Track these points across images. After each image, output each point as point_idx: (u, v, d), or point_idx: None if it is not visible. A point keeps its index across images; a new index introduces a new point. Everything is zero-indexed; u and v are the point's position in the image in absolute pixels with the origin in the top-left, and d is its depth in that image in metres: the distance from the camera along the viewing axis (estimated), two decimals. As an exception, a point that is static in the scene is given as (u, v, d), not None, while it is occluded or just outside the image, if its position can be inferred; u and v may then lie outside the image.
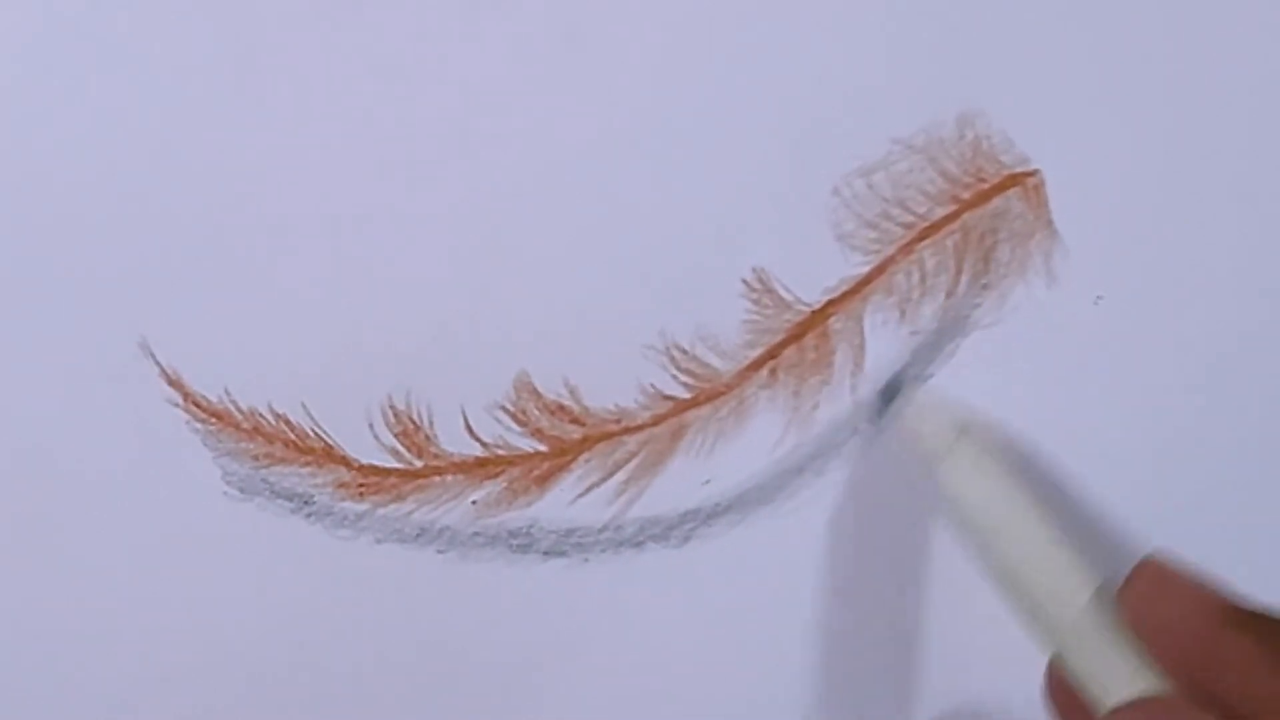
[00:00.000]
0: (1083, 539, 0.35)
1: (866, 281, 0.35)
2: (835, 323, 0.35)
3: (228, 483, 0.35)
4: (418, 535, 0.36)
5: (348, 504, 0.35)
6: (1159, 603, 0.32)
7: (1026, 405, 0.36)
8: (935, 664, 0.37)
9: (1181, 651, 0.31)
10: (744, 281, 0.35)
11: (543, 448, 0.35)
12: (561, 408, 0.35)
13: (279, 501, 0.35)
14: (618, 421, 0.35)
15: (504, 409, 0.35)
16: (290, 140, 0.33)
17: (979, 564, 0.34)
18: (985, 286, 0.35)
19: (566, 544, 0.36)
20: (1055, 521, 0.33)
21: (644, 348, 0.35)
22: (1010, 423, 0.36)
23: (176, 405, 0.34)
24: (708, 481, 0.36)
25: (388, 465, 0.35)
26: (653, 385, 0.35)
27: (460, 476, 0.35)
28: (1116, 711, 0.31)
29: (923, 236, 0.35)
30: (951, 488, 0.34)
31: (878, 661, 0.37)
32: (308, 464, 0.35)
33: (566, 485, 0.36)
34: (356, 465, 0.35)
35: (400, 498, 0.35)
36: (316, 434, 0.35)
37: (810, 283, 0.35)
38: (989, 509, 0.33)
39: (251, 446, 0.35)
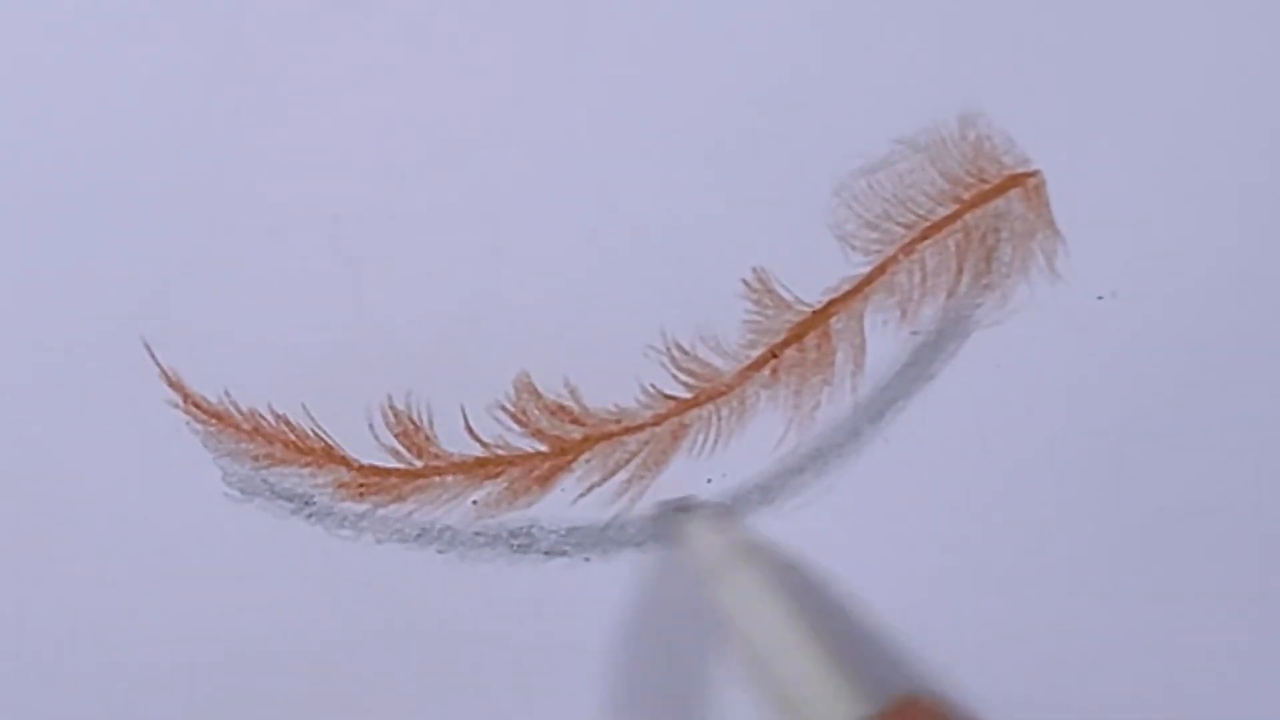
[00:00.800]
0: (860, 663, 0.36)
1: (868, 281, 0.35)
2: (836, 323, 0.35)
3: (228, 483, 0.35)
4: (418, 535, 0.36)
5: (348, 504, 0.35)
6: None
7: (1028, 405, 0.36)
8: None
9: None
10: (745, 281, 0.35)
11: (543, 448, 0.35)
12: (562, 408, 0.35)
13: (279, 502, 0.35)
14: (618, 421, 0.35)
15: (504, 409, 0.35)
16: (290, 140, 0.33)
17: (752, 686, 0.34)
18: (987, 286, 0.35)
19: (567, 544, 0.36)
20: (827, 648, 0.33)
21: (645, 348, 0.35)
22: (1012, 422, 0.36)
23: (176, 406, 0.34)
24: (710, 480, 0.36)
25: (388, 465, 0.35)
26: (653, 385, 0.35)
27: (460, 476, 0.35)
28: None
29: (924, 236, 0.35)
30: (729, 607, 0.34)
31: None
32: (308, 464, 0.35)
33: (567, 485, 0.36)
34: (356, 465, 0.35)
35: (400, 498, 0.35)
36: (316, 434, 0.35)
37: (811, 283, 0.35)
38: (763, 630, 0.34)
39: (252, 447, 0.35)
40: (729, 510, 0.36)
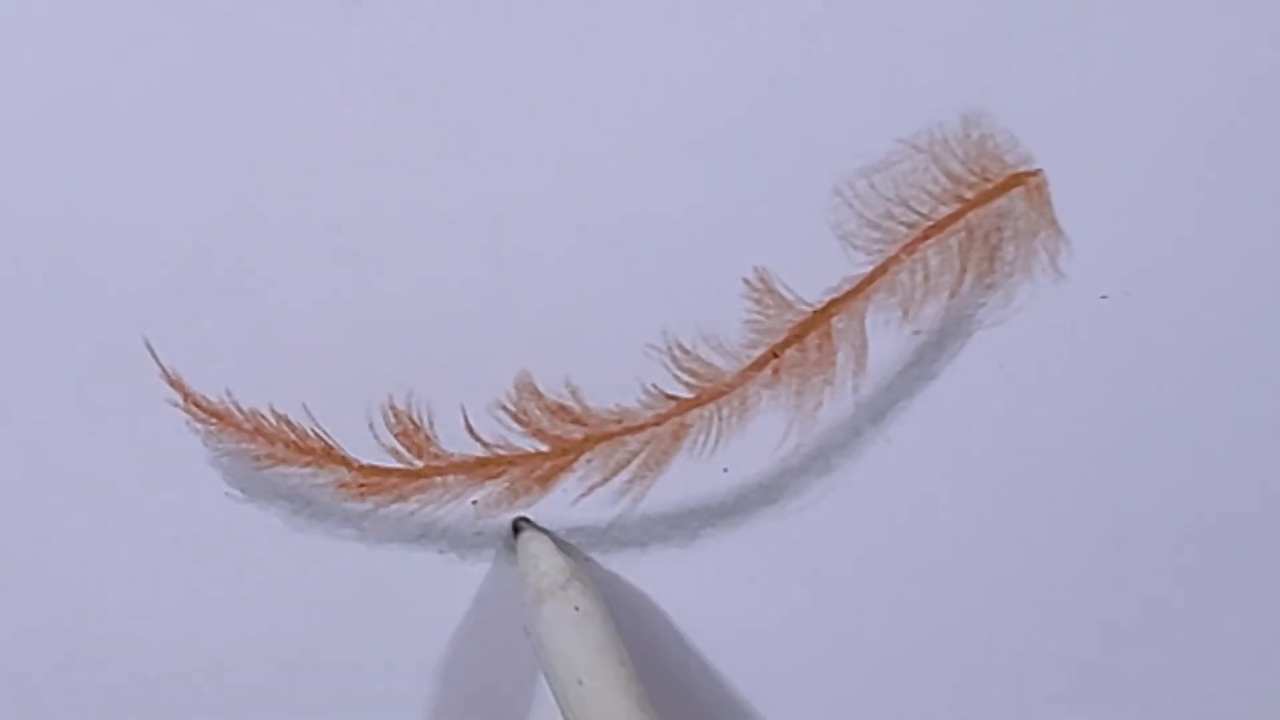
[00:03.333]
0: (669, 697, 0.35)
1: (869, 281, 0.35)
2: (838, 322, 0.35)
3: (229, 483, 0.35)
4: (418, 535, 0.36)
5: (348, 504, 0.35)
6: None
7: (1030, 405, 0.36)
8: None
9: None
10: (746, 281, 0.35)
11: (544, 448, 0.35)
12: (563, 407, 0.35)
13: (279, 502, 0.35)
14: (619, 421, 0.35)
15: (505, 409, 0.35)
16: (291, 141, 0.33)
17: (561, 710, 0.33)
18: (989, 286, 0.35)
19: (568, 544, 0.36)
20: (638, 685, 0.33)
21: (646, 347, 0.35)
22: (1014, 422, 0.36)
23: (177, 405, 0.34)
24: (726, 470, 0.36)
25: (388, 465, 0.35)
26: (654, 385, 0.35)
27: (461, 476, 0.35)
28: None
29: (926, 236, 0.35)
30: (541, 634, 0.33)
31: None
32: (308, 464, 0.35)
33: (568, 485, 0.36)
34: (357, 465, 0.35)
35: (401, 498, 0.35)
36: (317, 434, 0.35)
37: (812, 282, 0.35)
38: (575, 660, 0.33)
39: (252, 447, 0.35)
40: (563, 540, 0.35)
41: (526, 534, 0.35)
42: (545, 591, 0.34)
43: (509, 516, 0.36)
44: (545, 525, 0.36)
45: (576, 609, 0.33)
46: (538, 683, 0.37)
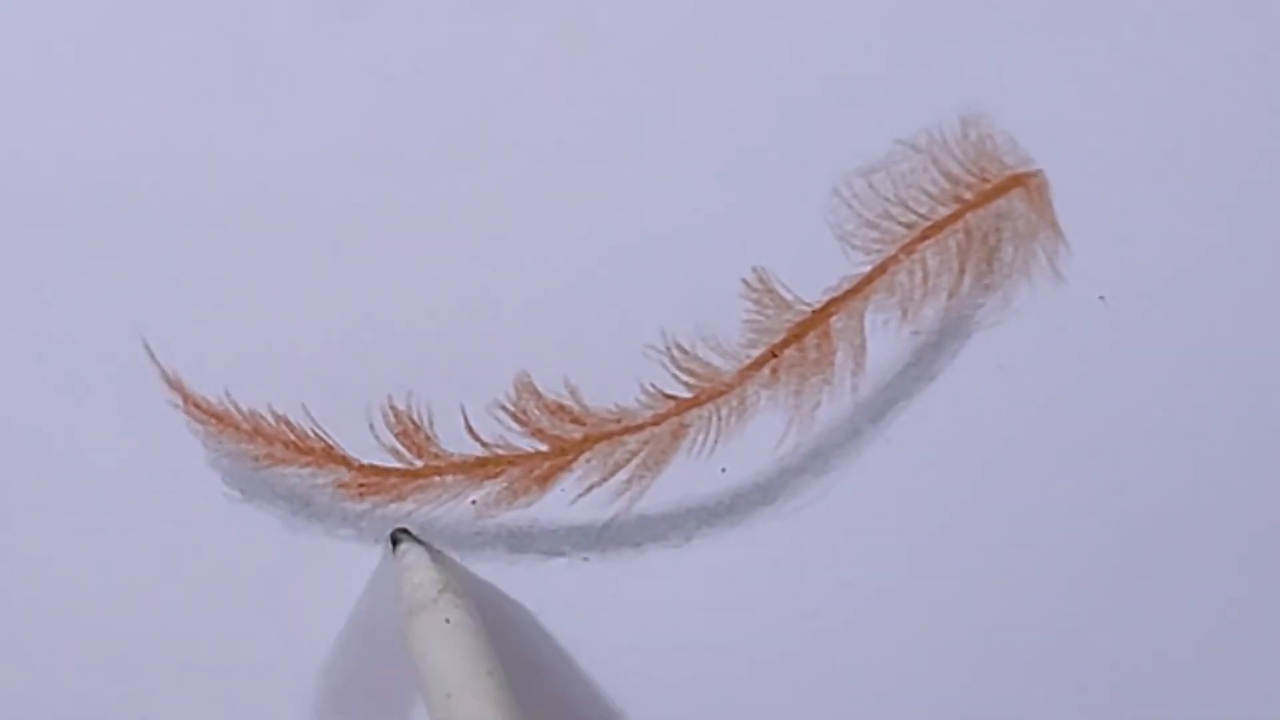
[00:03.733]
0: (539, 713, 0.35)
1: (868, 281, 0.35)
2: (837, 322, 0.35)
3: (228, 484, 0.35)
4: (418, 535, 0.36)
5: (348, 504, 0.35)
6: None
7: (1029, 406, 0.36)
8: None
9: None
10: (745, 281, 0.35)
11: (543, 447, 0.35)
12: (562, 407, 0.35)
13: (279, 502, 0.35)
14: (618, 421, 0.35)
15: (504, 409, 0.35)
16: (290, 140, 0.33)
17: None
18: (988, 287, 0.35)
19: (566, 544, 0.36)
20: (509, 696, 0.33)
21: (645, 347, 0.35)
22: (1013, 423, 0.36)
23: (177, 407, 0.34)
24: (725, 470, 0.36)
25: (388, 465, 0.35)
26: (653, 385, 0.35)
27: (460, 476, 0.35)
28: None
29: (925, 236, 0.35)
30: (412, 646, 0.33)
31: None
32: (308, 464, 0.35)
33: (567, 485, 0.36)
34: (356, 465, 0.35)
35: (400, 498, 0.35)
36: (316, 434, 0.35)
37: (811, 282, 0.35)
38: (445, 672, 0.33)
39: (252, 447, 0.35)
40: (436, 552, 0.35)
41: (403, 545, 0.35)
42: (417, 604, 0.34)
43: (509, 517, 0.36)
44: (545, 525, 0.36)
45: (447, 621, 0.33)
46: (540, 683, 0.37)
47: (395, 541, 0.35)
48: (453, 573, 0.35)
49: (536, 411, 0.35)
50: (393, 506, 0.35)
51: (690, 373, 0.35)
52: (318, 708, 0.36)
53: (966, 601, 0.37)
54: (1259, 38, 0.33)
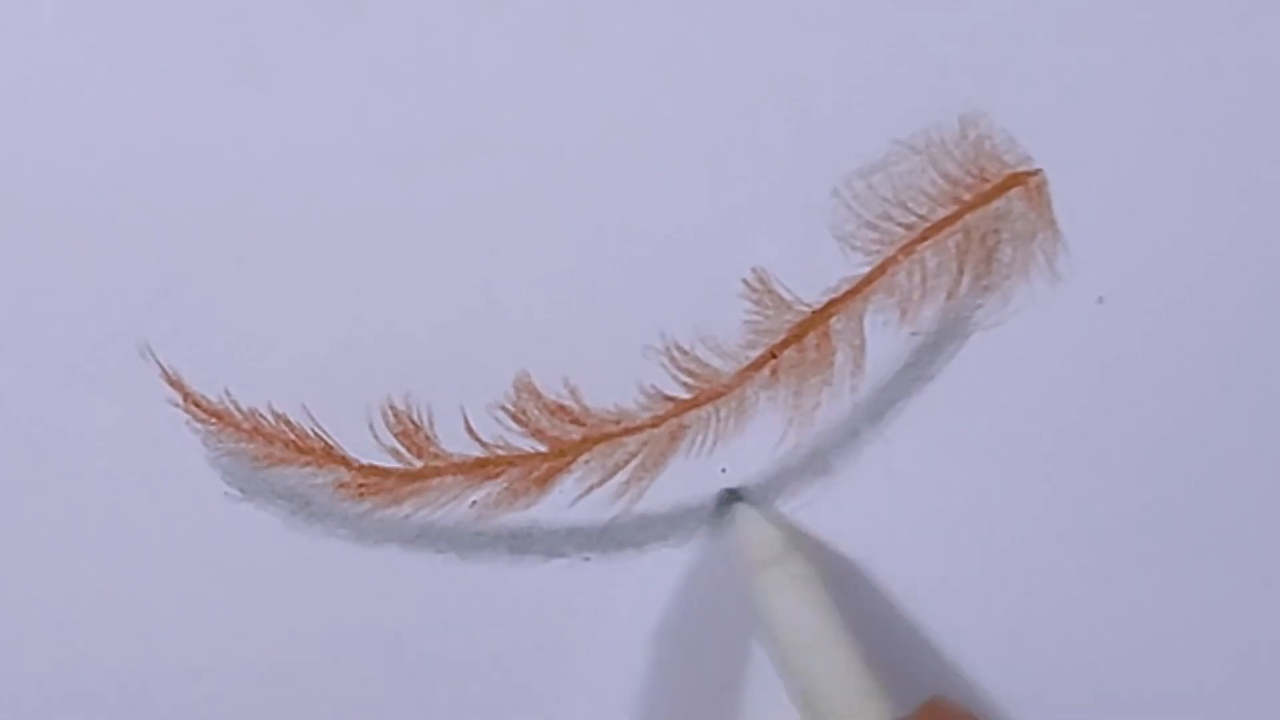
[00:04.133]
0: (895, 665, 0.35)
1: (867, 282, 0.35)
2: (836, 323, 0.35)
3: (228, 483, 0.35)
4: (417, 536, 0.36)
5: (348, 504, 0.35)
6: None
7: (1028, 406, 0.36)
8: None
9: None
10: (744, 282, 0.35)
11: (543, 448, 0.35)
12: (561, 408, 0.35)
13: (279, 502, 0.35)
14: (618, 422, 0.35)
15: (504, 409, 0.35)
16: (290, 140, 0.33)
17: (783, 680, 0.34)
18: (987, 287, 0.35)
19: (566, 544, 0.36)
20: (861, 648, 0.33)
21: (644, 348, 0.35)
22: (1012, 424, 0.36)
23: (176, 405, 0.34)
24: (724, 470, 0.36)
25: (388, 465, 0.35)
26: (653, 386, 0.35)
27: (460, 477, 0.35)
28: None
29: (924, 237, 0.35)
30: (765, 602, 0.34)
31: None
32: (307, 464, 0.35)
33: (567, 486, 0.36)
34: (356, 465, 0.35)
35: (400, 498, 0.35)
36: (316, 434, 0.35)
37: (811, 283, 0.35)
38: (798, 628, 0.34)
39: (251, 447, 0.35)
40: (772, 504, 0.36)
41: (736, 506, 0.36)
42: (762, 561, 0.34)
43: (508, 518, 0.36)
44: (545, 525, 0.36)
45: (795, 576, 0.34)
46: (539, 683, 0.37)
47: (728, 501, 0.36)
48: (791, 531, 0.36)
49: (536, 412, 0.35)
50: (393, 507, 0.35)
51: (690, 373, 0.35)
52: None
53: (966, 601, 0.37)
54: (1259, 38, 0.33)
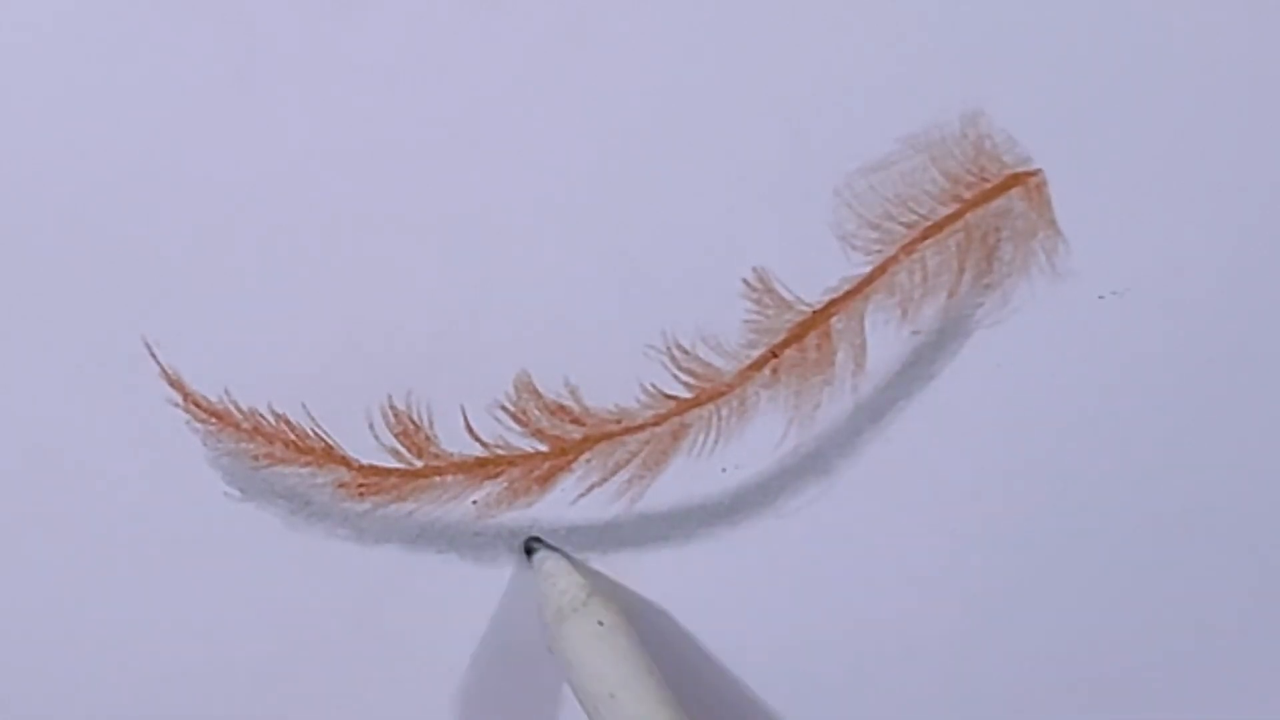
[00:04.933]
0: (703, 709, 0.35)
1: (868, 281, 0.35)
2: (837, 322, 0.35)
3: (228, 483, 0.35)
4: (417, 535, 0.36)
5: (348, 504, 0.35)
6: None
7: (1029, 405, 0.36)
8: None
9: None
10: (745, 281, 0.35)
11: (543, 448, 0.35)
12: (562, 408, 0.35)
13: (279, 502, 0.35)
14: (618, 421, 0.35)
15: (504, 409, 0.35)
16: (290, 141, 0.33)
17: None
18: (988, 286, 0.35)
19: (568, 544, 0.36)
20: (668, 693, 0.33)
21: (645, 347, 0.35)
22: (1013, 422, 0.36)
23: (176, 405, 0.34)
24: (725, 470, 0.36)
25: (388, 465, 0.35)
26: (654, 385, 0.35)
27: (461, 476, 0.35)
28: None
29: (925, 236, 0.35)
30: (568, 650, 0.34)
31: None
32: (308, 464, 0.35)
33: (567, 485, 0.36)
34: (356, 465, 0.35)
35: (400, 498, 0.35)
36: (316, 434, 0.35)
37: (812, 282, 0.35)
38: (599, 677, 0.33)
39: (251, 446, 0.35)
40: (572, 557, 0.36)
41: (540, 553, 0.35)
42: (566, 609, 0.34)
43: (509, 517, 0.36)
44: (545, 525, 0.36)
45: (600, 624, 0.34)
46: (539, 683, 0.37)
47: (530, 551, 0.35)
48: (594, 577, 0.35)
49: (536, 411, 0.35)
50: (392, 507, 0.35)
51: (690, 373, 0.35)
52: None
53: (966, 601, 0.37)
54: (1259, 38, 0.33)
